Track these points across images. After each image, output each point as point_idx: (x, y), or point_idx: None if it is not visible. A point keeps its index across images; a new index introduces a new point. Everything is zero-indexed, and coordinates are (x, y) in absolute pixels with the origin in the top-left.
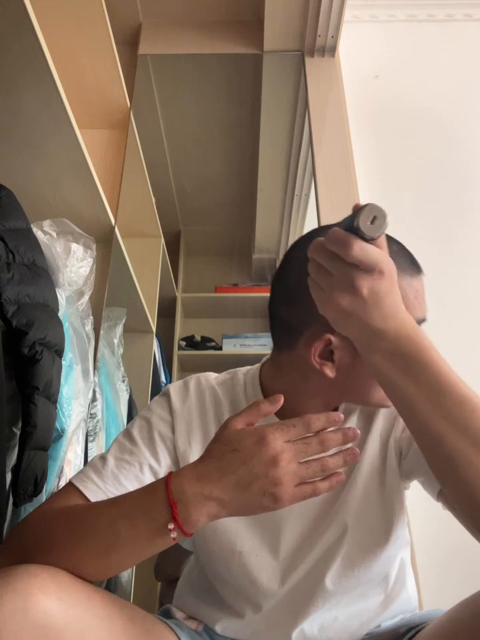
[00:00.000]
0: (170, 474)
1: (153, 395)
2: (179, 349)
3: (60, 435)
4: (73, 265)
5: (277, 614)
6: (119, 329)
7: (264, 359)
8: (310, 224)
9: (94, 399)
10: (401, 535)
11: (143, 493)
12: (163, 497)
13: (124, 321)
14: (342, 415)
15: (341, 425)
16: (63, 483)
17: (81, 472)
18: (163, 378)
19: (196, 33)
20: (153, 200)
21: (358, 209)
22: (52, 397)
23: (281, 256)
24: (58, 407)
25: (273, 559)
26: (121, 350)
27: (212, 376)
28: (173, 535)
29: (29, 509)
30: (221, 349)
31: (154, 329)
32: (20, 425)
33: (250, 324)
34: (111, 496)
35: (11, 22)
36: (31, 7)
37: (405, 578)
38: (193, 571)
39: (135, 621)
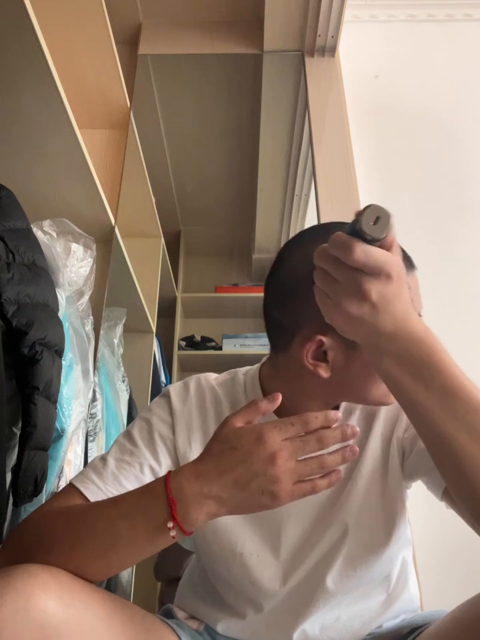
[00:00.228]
0: (169, 473)
1: (153, 395)
2: (178, 349)
3: (60, 435)
4: (73, 265)
5: (278, 614)
6: (119, 329)
7: (264, 359)
8: (310, 224)
9: (94, 399)
10: (403, 534)
11: (142, 492)
12: (162, 495)
13: (124, 320)
14: (340, 414)
15: (340, 423)
16: (63, 483)
17: (81, 473)
18: (162, 378)
19: (196, 33)
20: (153, 200)
21: (360, 211)
22: (52, 397)
23: None
24: (58, 407)
25: (274, 559)
26: (121, 350)
27: (212, 376)
28: (172, 533)
29: (29, 508)
30: (220, 348)
31: (154, 329)
32: (20, 425)
33: (250, 324)
34: (112, 497)
35: (11, 22)
36: (31, 7)
37: (406, 578)
38: (194, 571)
39: (135, 621)
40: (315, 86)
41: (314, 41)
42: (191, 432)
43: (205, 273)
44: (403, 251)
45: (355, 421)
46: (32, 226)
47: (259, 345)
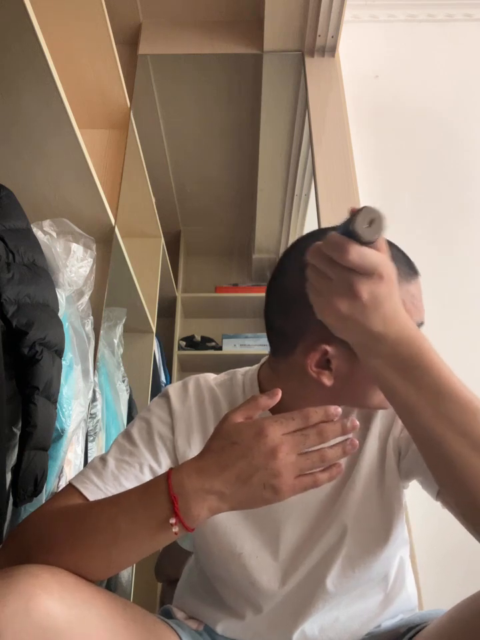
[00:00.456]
0: (170, 470)
1: (153, 395)
2: (179, 349)
3: (60, 435)
4: (73, 265)
5: (277, 615)
6: (119, 329)
7: (263, 360)
8: (310, 224)
9: (94, 399)
10: (401, 534)
11: (143, 489)
12: (164, 492)
13: (124, 320)
14: (340, 408)
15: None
16: (63, 483)
17: (81, 473)
18: (163, 378)
19: (196, 33)
20: (153, 200)
21: (354, 212)
22: (52, 397)
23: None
24: (58, 407)
25: (273, 559)
26: (121, 350)
27: (211, 377)
28: (175, 529)
29: (29, 508)
30: (220, 348)
31: (154, 329)
32: (20, 425)
33: (250, 324)
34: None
35: (11, 22)
36: (31, 7)
37: (404, 577)
38: (193, 571)
39: (136, 621)
40: (314, 86)
41: (314, 41)
42: (190, 432)
43: (205, 273)
44: (406, 257)
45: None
46: (32, 226)
47: (259, 345)
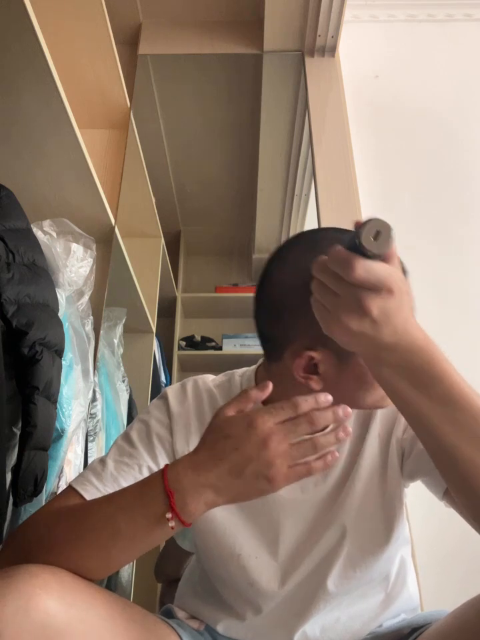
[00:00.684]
0: (166, 466)
1: (153, 395)
2: (179, 349)
3: (60, 435)
4: (73, 265)
5: (278, 616)
6: (119, 329)
7: (260, 361)
8: (310, 224)
9: (94, 399)
10: (402, 533)
11: (140, 486)
12: (160, 488)
13: (124, 320)
14: (330, 396)
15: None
16: (63, 483)
17: (80, 475)
18: (162, 378)
19: (196, 33)
20: (153, 200)
21: (360, 225)
22: (52, 397)
23: None
24: (58, 407)
25: (272, 560)
26: (121, 350)
27: (209, 378)
28: (171, 524)
29: (29, 508)
30: (220, 349)
31: (154, 329)
32: (20, 424)
33: (250, 324)
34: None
35: (11, 22)
36: (31, 7)
37: (405, 576)
38: (194, 571)
39: (136, 620)
40: (315, 86)
41: (314, 41)
42: (188, 433)
43: (205, 273)
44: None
45: (351, 422)
46: (32, 226)
47: (259, 345)
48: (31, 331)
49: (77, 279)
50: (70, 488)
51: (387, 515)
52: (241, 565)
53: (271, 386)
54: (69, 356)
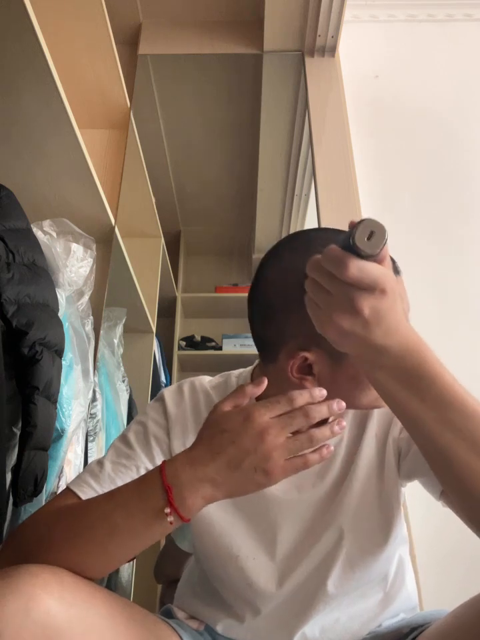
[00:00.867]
0: (164, 461)
1: (152, 395)
2: (179, 349)
3: (60, 435)
4: (73, 265)
5: (277, 617)
6: (119, 329)
7: (256, 362)
8: (310, 224)
9: (94, 399)
10: (399, 533)
11: (138, 482)
12: (158, 483)
13: (124, 320)
14: (324, 390)
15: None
16: (63, 483)
17: (78, 477)
18: (162, 378)
19: (196, 33)
20: (153, 200)
21: (354, 225)
22: (52, 397)
23: None
24: (58, 407)
25: (270, 561)
26: (121, 350)
27: (206, 379)
28: (170, 519)
29: (29, 508)
30: (220, 349)
31: (154, 329)
32: (20, 425)
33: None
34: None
35: (11, 22)
36: (31, 7)
37: (403, 575)
38: (193, 571)
39: (136, 620)
40: (315, 86)
41: (314, 41)
42: (185, 434)
43: (205, 273)
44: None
45: (347, 423)
46: (32, 226)
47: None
48: (31, 331)
49: (77, 279)
50: (68, 490)
51: (385, 514)
52: (239, 566)
53: (265, 381)
54: (69, 356)
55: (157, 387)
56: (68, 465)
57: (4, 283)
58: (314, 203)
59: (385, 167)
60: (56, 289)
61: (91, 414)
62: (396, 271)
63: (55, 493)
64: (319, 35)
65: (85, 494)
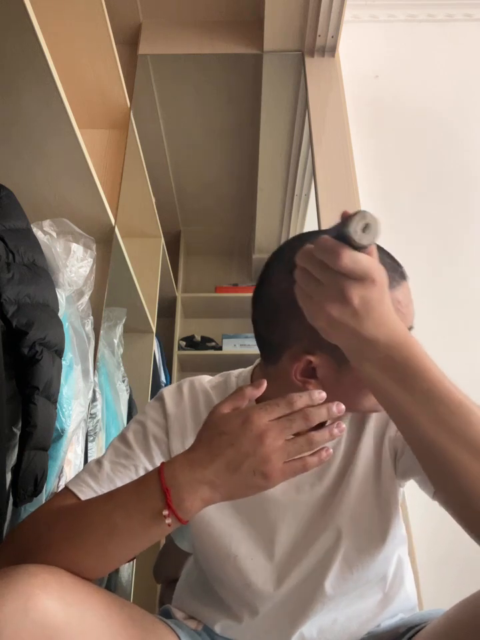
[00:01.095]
0: (163, 463)
1: (152, 395)
2: (179, 349)
3: (60, 435)
4: (73, 265)
5: (274, 618)
6: (119, 329)
7: (256, 362)
8: (310, 224)
9: (94, 399)
10: (398, 533)
11: (137, 483)
12: (157, 485)
13: (124, 320)
14: (324, 393)
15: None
16: (62, 483)
17: (77, 476)
18: (162, 378)
19: (196, 33)
20: (153, 200)
21: (348, 216)
22: (52, 397)
23: None
24: (58, 407)
25: (267, 561)
26: (121, 350)
27: (205, 379)
28: (168, 521)
29: (29, 508)
30: (220, 349)
31: (154, 329)
32: (20, 425)
33: (250, 324)
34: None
35: (11, 22)
36: (31, 6)
37: (403, 576)
38: (192, 571)
39: (135, 620)
40: (315, 86)
41: (314, 41)
42: (184, 434)
43: (205, 273)
44: (394, 262)
45: (346, 423)
46: (32, 226)
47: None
48: (31, 331)
49: (77, 279)
50: (66, 489)
51: (383, 515)
52: (237, 566)
53: (265, 383)
54: (69, 356)
55: (157, 387)
56: (68, 465)
57: (4, 282)
58: (314, 202)
59: (384, 166)
60: (56, 289)
61: (91, 414)
62: (402, 276)
63: (55, 493)
64: (319, 35)
65: (84, 494)
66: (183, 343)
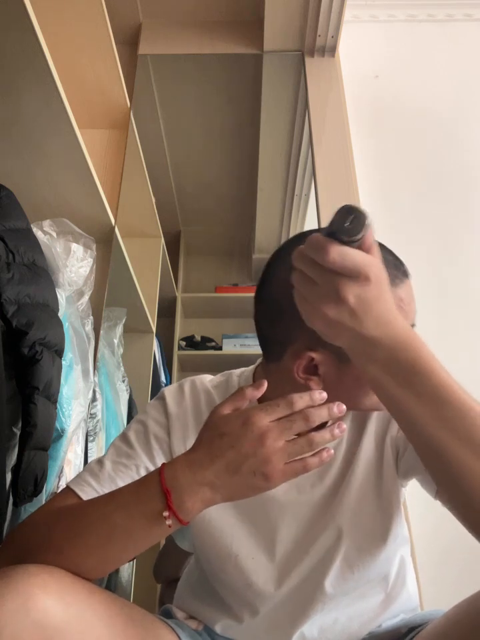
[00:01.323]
0: (163, 464)
1: (152, 395)
2: (179, 349)
3: (60, 434)
4: (73, 265)
5: (275, 618)
6: (119, 329)
7: (258, 361)
8: (310, 224)
9: (94, 399)
10: (400, 533)
11: (137, 484)
12: (157, 486)
13: (124, 320)
14: (325, 394)
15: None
16: (62, 483)
17: (78, 476)
18: (162, 378)
19: (196, 33)
20: (153, 200)
21: (336, 211)
22: (52, 397)
23: None
24: (58, 407)
25: (268, 561)
26: (121, 350)
27: (207, 378)
28: (169, 522)
29: (29, 508)
30: (220, 349)
31: (154, 329)
32: (20, 425)
33: (250, 324)
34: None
35: (11, 22)
36: (31, 6)
37: (405, 576)
38: (192, 571)
39: (135, 620)
40: (315, 86)
41: (314, 41)
42: (186, 434)
43: (204, 273)
44: (396, 259)
45: (347, 424)
46: (32, 226)
47: (259, 345)
48: (31, 331)
49: (77, 279)
50: (67, 489)
51: (384, 514)
52: (237, 566)
53: (265, 384)
54: (69, 356)
55: (157, 387)
56: (68, 465)
57: (4, 282)
58: (314, 202)
59: (385, 166)
60: (56, 289)
61: (91, 414)
62: (405, 274)
63: (55, 493)
64: (319, 35)
65: (85, 493)
66: (183, 343)
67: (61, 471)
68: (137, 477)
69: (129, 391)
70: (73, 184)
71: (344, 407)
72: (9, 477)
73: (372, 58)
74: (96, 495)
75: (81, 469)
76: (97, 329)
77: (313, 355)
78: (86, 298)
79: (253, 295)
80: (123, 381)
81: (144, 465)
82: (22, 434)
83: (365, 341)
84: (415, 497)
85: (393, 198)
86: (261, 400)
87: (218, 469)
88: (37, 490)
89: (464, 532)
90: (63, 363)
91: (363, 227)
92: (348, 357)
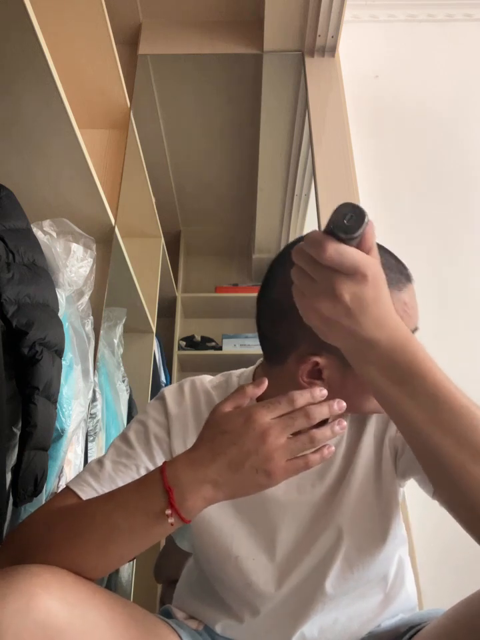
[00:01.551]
0: (165, 462)
1: (152, 395)
2: (179, 349)
3: (60, 434)
4: (73, 265)
5: (275, 618)
6: (119, 329)
7: (258, 362)
8: (310, 224)
9: (94, 399)
10: (398, 533)
11: (138, 483)
12: (159, 484)
13: (124, 320)
14: (325, 390)
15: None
16: (63, 483)
17: (78, 476)
18: (162, 378)
19: (196, 33)
20: (153, 200)
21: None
22: (52, 397)
23: None
24: (58, 406)
25: (269, 561)
26: (121, 350)
27: (207, 378)
28: (171, 520)
29: (29, 508)
30: (220, 349)
31: (154, 329)
32: (20, 425)
33: (250, 324)
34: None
35: (11, 22)
36: (31, 6)
37: (403, 576)
38: (192, 572)
39: (136, 620)
40: (315, 86)
41: (314, 41)
42: (186, 434)
43: (204, 273)
44: (399, 263)
45: (347, 422)
46: (32, 226)
47: (259, 345)
48: (31, 331)
49: (77, 279)
50: (67, 489)
51: (384, 514)
52: (238, 567)
53: (266, 382)
54: (69, 356)
55: (157, 387)
56: (68, 465)
57: (4, 282)
58: (314, 202)
59: (385, 166)
60: (56, 289)
61: (91, 414)
62: (408, 278)
63: (55, 493)
64: (319, 35)
65: (85, 493)
66: (183, 343)
67: (61, 471)
68: (137, 477)
69: (128, 391)
70: (73, 184)
71: (344, 403)
72: (9, 476)
73: (372, 58)
74: (96, 495)
75: (81, 468)
76: (97, 329)
77: (318, 359)
78: (86, 298)
79: (253, 294)
80: (123, 381)
81: (144, 464)
82: (22, 434)
83: (362, 341)
84: (415, 497)
85: (393, 198)
86: (260, 400)
87: (220, 467)
88: (37, 490)
89: (463, 532)
90: (63, 363)
91: (361, 224)
92: None
